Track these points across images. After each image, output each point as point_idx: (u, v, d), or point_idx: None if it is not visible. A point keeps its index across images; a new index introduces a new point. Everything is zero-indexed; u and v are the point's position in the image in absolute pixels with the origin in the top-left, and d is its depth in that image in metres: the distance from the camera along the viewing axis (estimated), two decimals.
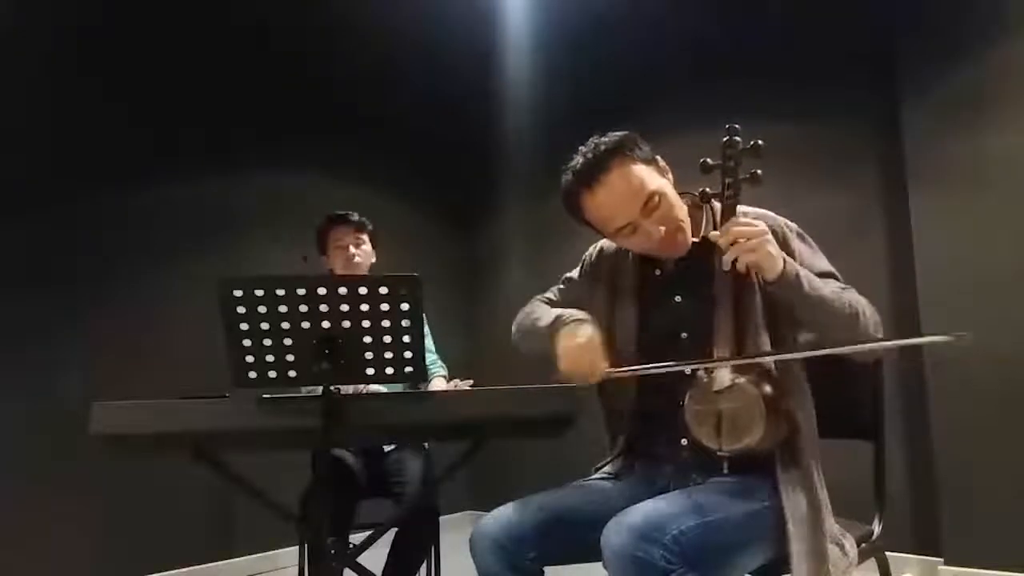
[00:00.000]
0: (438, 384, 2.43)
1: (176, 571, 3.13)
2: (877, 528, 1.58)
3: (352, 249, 2.49)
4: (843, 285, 1.44)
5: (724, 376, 1.32)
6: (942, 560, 2.70)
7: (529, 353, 1.63)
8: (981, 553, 2.59)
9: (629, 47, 3.79)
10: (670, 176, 1.52)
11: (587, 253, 1.72)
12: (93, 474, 2.86)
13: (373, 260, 2.57)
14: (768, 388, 1.31)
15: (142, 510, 3.05)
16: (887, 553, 1.59)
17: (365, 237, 2.55)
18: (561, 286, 1.76)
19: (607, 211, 1.46)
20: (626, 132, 1.48)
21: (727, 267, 1.31)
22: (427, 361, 2.52)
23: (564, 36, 4.14)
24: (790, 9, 3.28)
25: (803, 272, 1.34)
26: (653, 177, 1.46)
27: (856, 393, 1.68)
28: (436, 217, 4.42)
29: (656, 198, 1.43)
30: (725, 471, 1.38)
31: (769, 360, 1.37)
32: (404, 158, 4.24)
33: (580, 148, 1.49)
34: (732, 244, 1.30)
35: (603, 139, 1.47)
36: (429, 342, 2.62)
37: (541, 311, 1.63)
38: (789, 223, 1.50)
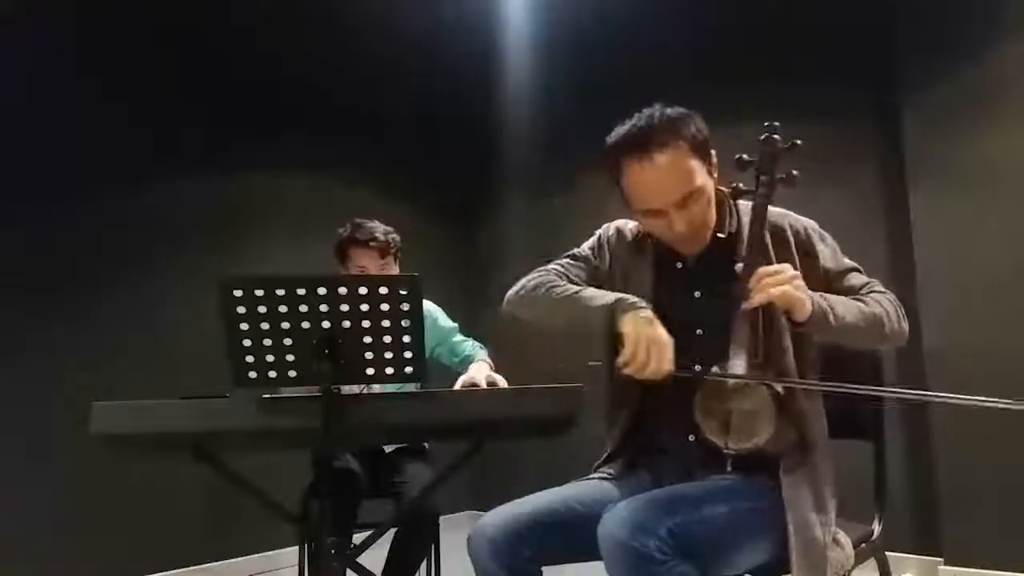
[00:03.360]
0: (481, 369, 2.10)
1: (176, 571, 3.13)
2: (877, 528, 1.58)
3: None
4: (866, 280, 1.47)
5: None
6: (942, 560, 2.70)
7: (537, 323, 1.54)
8: (981, 553, 2.59)
9: (629, 46, 3.79)
10: (715, 175, 1.47)
11: (602, 232, 1.66)
12: (93, 474, 2.86)
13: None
14: (781, 389, 1.30)
15: (142, 510, 3.05)
16: (887, 553, 1.59)
17: (390, 260, 2.37)
18: (572, 262, 1.63)
19: (646, 188, 1.41)
20: (689, 111, 1.44)
21: (753, 306, 1.29)
22: (460, 350, 2.45)
23: (564, 36, 4.13)
24: (790, 9, 3.28)
25: (827, 306, 1.33)
26: (702, 173, 1.41)
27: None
28: (436, 216, 4.42)
29: (696, 195, 1.40)
30: (729, 468, 1.37)
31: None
32: (404, 158, 4.24)
33: (644, 110, 1.43)
34: (759, 283, 1.28)
35: (668, 110, 1.42)
36: (459, 337, 2.54)
37: (572, 287, 1.52)
38: (810, 223, 1.51)
